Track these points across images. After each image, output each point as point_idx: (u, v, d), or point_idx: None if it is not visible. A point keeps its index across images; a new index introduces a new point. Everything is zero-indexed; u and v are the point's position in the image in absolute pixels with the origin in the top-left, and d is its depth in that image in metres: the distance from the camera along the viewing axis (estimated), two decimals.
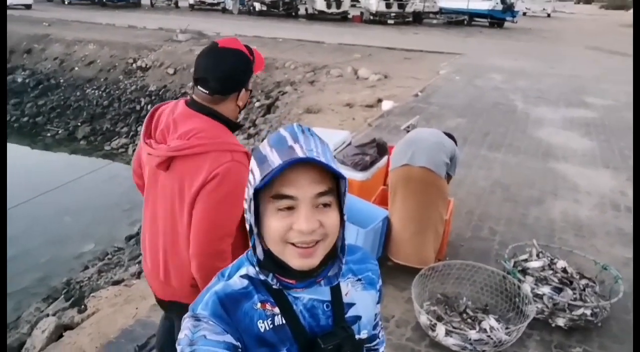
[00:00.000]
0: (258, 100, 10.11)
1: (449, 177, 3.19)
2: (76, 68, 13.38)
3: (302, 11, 25.23)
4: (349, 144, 4.14)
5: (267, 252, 0.84)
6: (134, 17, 21.63)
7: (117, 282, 3.88)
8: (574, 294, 2.76)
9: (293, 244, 0.79)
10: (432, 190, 2.99)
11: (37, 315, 4.70)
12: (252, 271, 0.85)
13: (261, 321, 0.84)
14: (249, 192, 0.80)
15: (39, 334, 2.97)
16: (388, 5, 23.06)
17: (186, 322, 0.81)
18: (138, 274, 4.19)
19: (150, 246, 1.70)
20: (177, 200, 1.55)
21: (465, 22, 24.92)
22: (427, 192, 2.98)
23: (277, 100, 9.79)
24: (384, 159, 3.80)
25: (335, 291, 0.91)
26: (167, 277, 1.65)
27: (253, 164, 0.81)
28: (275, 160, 0.76)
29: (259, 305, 0.85)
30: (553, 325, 2.72)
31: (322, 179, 0.79)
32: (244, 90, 1.57)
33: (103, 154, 10.02)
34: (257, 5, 25.52)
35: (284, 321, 0.85)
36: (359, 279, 0.96)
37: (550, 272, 2.93)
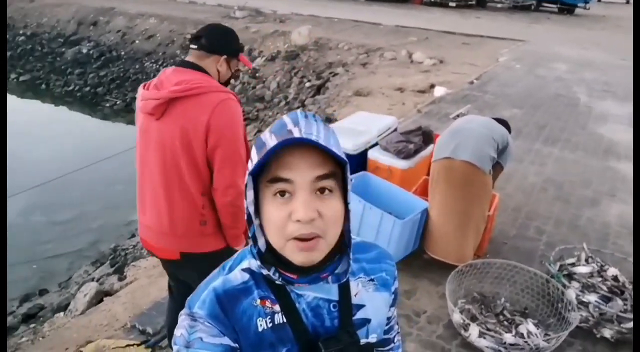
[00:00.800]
0: (309, 81, 10.06)
1: (500, 168, 3.00)
2: (137, 41, 13.79)
3: None
4: (395, 130, 4.02)
5: (269, 244, 0.79)
6: None
7: None
8: (625, 305, 2.57)
9: (293, 239, 0.73)
10: (475, 185, 2.83)
11: (85, 277, 4.96)
12: (254, 264, 0.80)
13: (260, 319, 0.80)
14: (247, 179, 0.75)
15: (81, 297, 3.12)
16: None
17: (182, 320, 0.79)
18: None
19: (152, 198, 1.80)
20: (179, 143, 1.68)
21: (533, 7, 23.55)
22: (469, 188, 2.83)
23: (328, 82, 9.68)
24: (429, 148, 3.67)
25: (344, 290, 0.84)
26: (174, 228, 1.77)
27: (253, 151, 0.76)
28: (272, 143, 0.71)
29: (258, 302, 0.80)
30: (598, 336, 2.55)
31: (322, 163, 0.73)
32: (224, 58, 1.82)
33: None
34: None
35: (284, 320, 0.80)
36: (372, 280, 0.90)
37: (600, 279, 2.74)
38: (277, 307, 0.80)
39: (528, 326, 2.52)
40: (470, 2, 22.75)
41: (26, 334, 2.97)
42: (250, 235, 0.79)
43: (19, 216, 6.77)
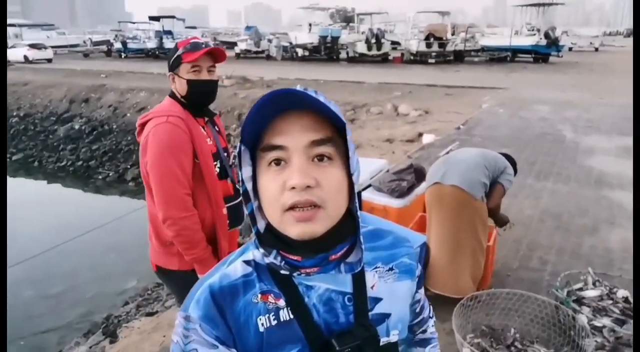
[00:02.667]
0: None
1: (500, 187, 2.87)
2: (128, 114, 14.10)
3: (343, 55, 25.86)
4: (387, 171, 4.03)
5: (268, 225, 0.72)
6: None
7: (150, 314, 3.84)
8: None
9: (290, 209, 0.66)
10: (466, 212, 2.77)
11: (76, 349, 4.72)
12: (257, 255, 0.73)
13: (261, 317, 0.72)
14: (241, 150, 0.69)
15: None
16: (428, 45, 23.32)
17: (178, 325, 0.73)
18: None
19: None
20: (142, 168, 1.79)
21: (509, 58, 24.68)
22: (460, 214, 2.76)
23: None
24: (423, 185, 3.64)
25: (358, 281, 0.75)
26: (150, 241, 1.88)
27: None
28: (264, 108, 0.66)
29: (259, 297, 0.72)
30: None
31: (318, 126, 0.67)
32: (170, 75, 1.83)
33: None
34: (300, 51, 26.42)
35: (291, 316, 0.72)
36: (391, 268, 0.80)
37: (610, 302, 2.63)
38: (281, 302, 0.72)
39: None
40: (448, 58, 23.81)
41: None
42: (247, 213, 0.72)
43: (8, 291, 6.55)
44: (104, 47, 34.06)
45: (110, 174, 11.96)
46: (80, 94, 15.80)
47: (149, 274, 7.13)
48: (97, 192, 11.54)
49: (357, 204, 0.73)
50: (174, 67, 1.81)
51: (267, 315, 0.72)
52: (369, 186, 3.77)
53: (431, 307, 1.00)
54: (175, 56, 1.79)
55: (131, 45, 31.29)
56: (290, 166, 0.66)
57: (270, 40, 29.00)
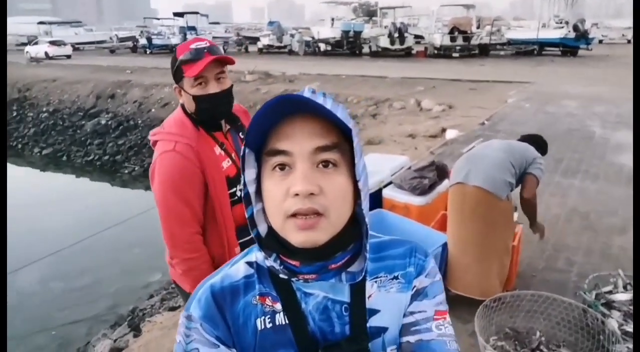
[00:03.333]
0: None
1: (532, 177, 2.73)
2: (153, 110, 14.30)
3: (365, 49, 25.67)
4: (409, 168, 3.98)
5: (270, 229, 0.71)
6: None
7: (173, 308, 3.89)
8: None
9: (293, 216, 0.65)
10: (491, 213, 2.68)
11: (102, 342, 4.83)
12: (260, 257, 0.74)
13: (259, 318, 0.72)
14: (245, 153, 0.69)
15: None
16: (453, 39, 22.93)
17: (180, 324, 0.74)
18: None
19: None
20: None
21: (536, 52, 24.09)
22: (485, 216, 2.68)
23: None
24: (445, 183, 3.59)
25: (357, 291, 0.74)
26: (166, 256, 1.73)
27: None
28: (270, 111, 0.65)
29: (257, 298, 0.73)
30: None
31: (324, 132, 0.66)
32: (175, 87, 1.61)
33: None
34: (322, 46, 26.33)
35: (286, 321, 0.72)
36: (395, 277, 0.77)
37: None
38: (278, 306, 0.72)
39: None
40: (473, 52, 23.40)
41: None
42: (247, 216, 0.71)
43: (37, 283, 6.76)
44: (130, 43, 34.56)
45: (136, 169, 12.17)
46: (107, 89, 16.10)
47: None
48: (123, 186, 11.77)
49: (366, 210, 0.70)
50: (177, 79, 1.57)
51: (264, 317, 0.72)
52: (390, 183, 3.74)
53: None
54: (175, 67, 1.55)
55: (156, 41, 31.66)
56: (295, 172, 0.66)
57: (292, 35, 28.98)
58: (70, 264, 7.38)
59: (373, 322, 0.75)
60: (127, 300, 6.37)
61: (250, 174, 0.70)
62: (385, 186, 3.71)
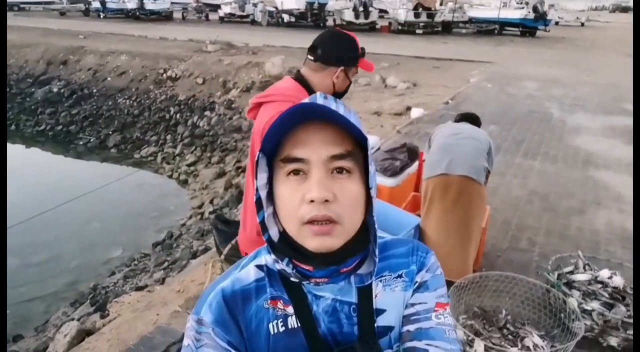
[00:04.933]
0: None
1: (487, 174, 2.91)
2: (109, 78, 13.68)
3: (329, 22, 25.36)
4: (378, 149, 4.00)
5: (282, 233, 0.71)
6: (165, 29, 22.14)
7: (140, 288, 3.82)
8: (628, 310, 2.53)
9: (309, 223, 0.66)
10: (473, 199, 2.76)
11: (64, 319, 4.70)
12: (270, 260, 0.74)
13: (272, 322, 0.72)
14: (259, 157, 0.69)
15: (61, 338, 2.92)
16: (417, 15, 22.99)
17: (189, 328, 0.72)
18: (162, 280, 4.13)
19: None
20: (250, 151, 1.72)
21: (496, 31, 24.55)
22: (468, 203, 2.75)
23: None
24: (415, 164, 3.64)
25: (364, 292, 0.75)
26: (244, 226, 1.79)
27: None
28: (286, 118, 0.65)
29: (269, 302, 0.73)
30: (604, 344, 2.49)
31: (339, 140, 0.67)
32: (341, 69, 1.67)
33: (132, 162, 10.14)
34: (286, 17, 25.80)
35: (298, 324, 0.72)
36: (400, 276, 0.78)
37: (599, 286, 2.70)
38: (290, 309, 0.73)
39: (534, 339, 2.45)
40: (436, 29, 23.58)
41: None
42: (259, 221, 0.70)
43: None
44: (82, 6, 32.67)
45: (92, 140, 11.68)
46: (58, 55, 15.23)
47: (133, 244, 7.13)
48: (78, 158, 11.29)
49: (376, 216, 0.71)
50: (348, 64, 1.68)
51: (276, 321, 0.72)
52: None
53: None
54: (353, 55, 1.68)
55: (110, 4, 30.08)
56: (310, 179, 0.66)
57: (255, 5, 28.19)
58: (25, 240, 7.08)
59: (380, 322, 0.76)
60: (87, 276, 6.21)
61: (262, 178, 0.70)
62: None
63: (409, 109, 8.08)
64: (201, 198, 8.05)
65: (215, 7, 31.12)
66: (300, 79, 1.70)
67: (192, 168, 9.34)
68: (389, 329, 0.77)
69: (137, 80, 13.34)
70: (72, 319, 3.67)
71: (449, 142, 2.90)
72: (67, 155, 11.44)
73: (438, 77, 11.16)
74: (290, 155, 0.67)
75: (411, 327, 0.76)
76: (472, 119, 3.09)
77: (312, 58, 1.68)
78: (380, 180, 3.53)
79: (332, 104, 0.68)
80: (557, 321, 2.57)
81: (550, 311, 2.63)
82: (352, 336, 0.73)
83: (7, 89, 14.44)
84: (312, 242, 0.66)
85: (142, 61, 13.90)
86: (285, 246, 0.70)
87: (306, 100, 0.69)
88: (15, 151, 11.86)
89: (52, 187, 9.04)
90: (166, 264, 5.36)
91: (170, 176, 9.40)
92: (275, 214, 0.71)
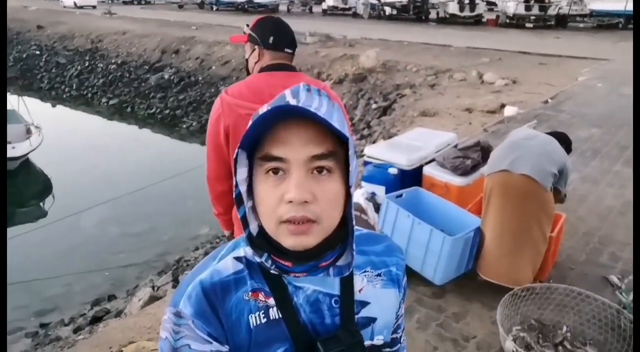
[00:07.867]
0: (375, 102, 10.07)
1: (558, 192, 2.76)
2: (213, 67, 14.57)
3: (433, 15, 24.59)
4: (455, 146, 3.88)
5: (261, 228, 0.72)
6: None
7: None
8: None
9: (286, 221, 0.66)
10: (534, 202, 2.60)
11: (149, 286, 5.19)
12: (249, 252, 0.73)
13: (252, 314, 0.72)
14: (238, 153, 0.69)
15: (136, 301, 3.25)
16: (528, 8, 21.45)
17: (167, 320, 0.73)
18: None
19: None
20: None
21: (620, 25, 22.12)
22: (528, 205, 2.60)
23: (394, 103, 9.62)
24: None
25: (346, 284, 0.76)
26: None
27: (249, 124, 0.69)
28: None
29: (250, 295, 0.73)
30: None
31: (320, 140, 0.66)
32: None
33: None
34: (388, 10, 25.46)
35: (279, 315, 0.73)
36: (379, 275, 0.81)
37: None
38: (271, 301, 0.73)
39: None
40: (549, 23, 21.85)
41: (84, 333, 3.13)
42: (240, 216, 0.71)
43: (96, 226, 7.28)
44: None
45: (194, 124, 12.59)
46: (172, 44, 16.51)
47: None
48: (181, 140, 12.25)
49: (352, 212, 0.72)
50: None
51: (258, 313, 0.72)
52: (433, 160, 3.66)
53: (405, 332, 0.96)
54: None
55: None
56: (289, 179, 0.66)
57: None
58: (128, 211, 7.85)
59: (364, 313, 0.79)
60: (175, 249, 6.77)
61: (242, 173, 0.70)
62: (427, 163, 3.64)
63: (503, 106, 7.65)
64: None
65: (320, 0, 31.63)
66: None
67: None
68: (372, 320, 0.79)
69: (239, 69, 14.05)
70: (153, 287, 4.04)
71: (518, 141, 2.75)
72: (172, 136, 12.46)
73: (542, 74, 10.39)
74: (269, 154, 0.66)
75: (396, 336, 0.88)
76: (562, 139, 2.82)
77: (290, 51, 1.90)
78: (449, 179, 3.44)
79: (315, 98, 0.67)
80: (625, 346, 2.34)
81: (619, 334, 2.40)
82: (333, 326, 0.75)
83: (128, 75, 15.99)
84: (289, 240, 0.67)
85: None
86: (263, 242, 0.71)
87: (287, 91, 0.68)
88: (129, 130, 13.17)
89: (156, 164, 9.90)
90: None
91: None
92: (254, 208, 0.71)
